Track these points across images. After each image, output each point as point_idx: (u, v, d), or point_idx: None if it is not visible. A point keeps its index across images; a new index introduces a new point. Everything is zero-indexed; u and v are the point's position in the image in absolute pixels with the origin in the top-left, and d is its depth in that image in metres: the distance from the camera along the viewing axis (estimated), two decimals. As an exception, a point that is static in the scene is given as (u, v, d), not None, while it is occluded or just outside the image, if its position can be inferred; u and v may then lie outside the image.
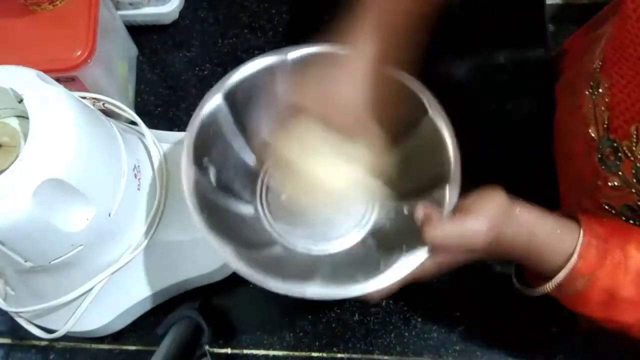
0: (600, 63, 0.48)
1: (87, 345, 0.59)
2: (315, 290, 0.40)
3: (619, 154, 0.45)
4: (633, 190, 0.44)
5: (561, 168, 0.60)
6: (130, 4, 0.68)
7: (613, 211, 0.48)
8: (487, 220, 0.40)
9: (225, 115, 0.48)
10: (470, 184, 0.62)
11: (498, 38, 0.69)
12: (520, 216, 0.41)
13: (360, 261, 0.47)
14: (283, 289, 0.40)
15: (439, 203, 0.43)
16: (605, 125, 0.47)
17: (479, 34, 0.69)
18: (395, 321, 0.57)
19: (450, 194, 0.43)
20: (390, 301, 0.58)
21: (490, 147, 0.64)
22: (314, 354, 0.57)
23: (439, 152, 0.45)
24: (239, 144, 0.50)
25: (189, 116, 0.67)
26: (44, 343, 0.59)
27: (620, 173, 0.45)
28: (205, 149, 0.46)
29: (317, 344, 0.57)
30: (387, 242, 0.47)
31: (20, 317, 0.51)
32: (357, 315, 0.58)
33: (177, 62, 0.71)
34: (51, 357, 0.59)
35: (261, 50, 0.61)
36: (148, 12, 0.70)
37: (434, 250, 0.41)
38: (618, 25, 0.44)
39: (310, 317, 0.58)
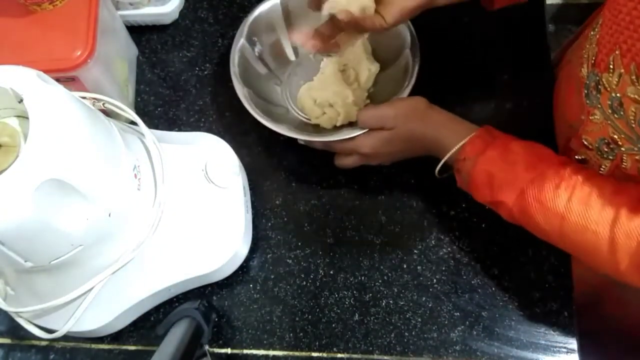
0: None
1: (87, 345, 0.59)
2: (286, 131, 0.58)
3: (599, 87, 0.47)
4: (608, 122, 0.46)
5: (559, 118, 0.62)
6: (130, 4, 0.68)
7: (590, 146, 0.50)
8: (395, 110, 0.56)
9: (279, 14, 0.65)
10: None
11: (498, 38, 0.69)
12: (431, 118, 0.55)
13: (328, 132, 0.63)
14: (269, 123, 0.58)
15: None
16: (592, 61, 0.48)
17: (479, 34, 0.69)
18: (395, 321, 0.57)
19: None
20: (391, 301, 0.58)
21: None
22: (314, 354, 0.57)
23: (405, 79, 0.61)
24: (284, 37, 0.67)
25: (189, 116, 0.68)
26: (44, 343, 0.59)
27: (599, 106, 0.47)
28: (257, 31, 0.65)
29: (317, 344, 0.57)
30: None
31: (20, 317, 0.51)
32: (357, 315, 0.58)
33: (177, 62, 0.71)
34: (51, 357, 0.59)
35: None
36: (148, 12, 0.70)
37: (362, 125, 0.57)
38: None
39: (310, 317, 0.58)
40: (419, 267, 0.59)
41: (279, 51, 0.67)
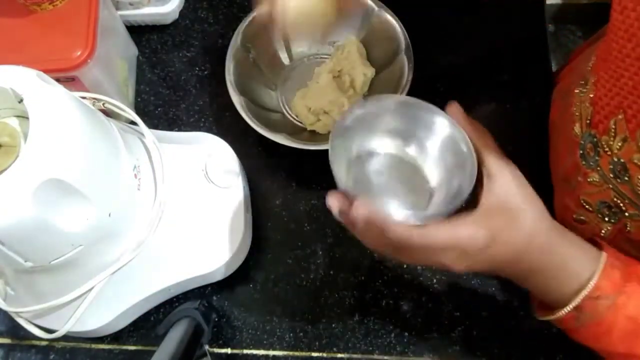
0: (592, 63, 0.49)
1: (87, 345, 0.59)
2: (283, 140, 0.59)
3: (598, 149, 0.45)
4: (610, 186, 0.44)
5: (552, 169, 0.60)
6: (130, 4, 0.68)
7: (590, 208, 0.48)
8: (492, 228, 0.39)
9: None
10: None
11: (498, 38, 0.69)
12: (539, 240, 0.39)
13: (324, 138, 0.64)
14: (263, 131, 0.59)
15: None
16: (588, 121, 0.47)
17: (479, 34, 0.69)
18: (395, 321, 0.57)
19: None
20: (390, 301, 0.58)
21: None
22: (314, 354, 0.57)
23: (400, 83, 0.61)
24: (278, 42, 0.67)
25: (189, 116, 0.68)
26: (44, 343, 0.59)
27: (599, 168, 0.45)
28: (251, 37, 0.64)
29: (317, 344, 0.57)
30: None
31: (20, 317, 0.51)
32: (357, 315, 0.58)
33: (177, 62, 0.71)
34: (51, 357, 0.59)
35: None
36: (148, 12, 0.70)
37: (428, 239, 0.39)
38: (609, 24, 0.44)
39: (310, 317, 0.58)
40: (419, 267, 0.59)
41: (273, 56, 0.68)
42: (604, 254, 0.40)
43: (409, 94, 0.59)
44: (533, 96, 0.65)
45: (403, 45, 0.62)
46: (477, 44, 0.69)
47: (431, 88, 0.66)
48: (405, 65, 0.61)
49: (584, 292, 0.39)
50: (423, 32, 0.62)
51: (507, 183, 0.40)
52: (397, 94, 0.60)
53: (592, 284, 0.39)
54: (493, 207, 0.39)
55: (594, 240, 0.42)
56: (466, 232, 0.38)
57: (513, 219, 0.39)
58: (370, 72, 0.65)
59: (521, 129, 0.64)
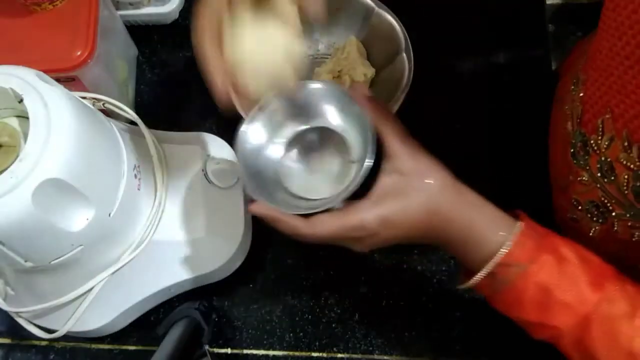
0: (584, 61, 0.49)
1: (87, 345, 0.59)
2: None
3: (588, 148, 0.45)
4: (598, 185, 0.44)
5: (550, 168, 0.60)
6: (130, 4, 0.68)
7: (580, 207, 0.48)
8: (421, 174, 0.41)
9: None
10: (468, 181, 0.62)
11: (498, 38, 0.69)
12: (464, 194, 0.41)
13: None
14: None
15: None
16: (578, 120, 0.47)
17: (479, 34, 0.69)
18: (395, 321, 0.57)
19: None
20: (391, 301, 0.58)
21: (489, 146, 0.64)
22: (314, 354, 0.57)
23: (400, 83, 0.60)
24: None
25: (189, 116, 0.67)
26: (44, 343, 0.59)
27: (588, 168, 0.45)
28: None
29: (317, 344, 0.57)
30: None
31: (20, 317, 0.51)
32: (357, 315, 0.58)
33: (177, 62, 0.71)
34: (51, 357, 0.59)
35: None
36: (148, 12, 0.70)
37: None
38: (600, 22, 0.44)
39: (310, 317, 0.58)
40: (419, 267, 0.59)
41: None
42: (519, 224, 0.41)
43: (409, 94, 0.59)
44: (533, 96, 0.65)
45: (403, 45, 0.61)
46: (477, 44, 0.69)
47: (431, 88, 0.66)
48: (405, 65, 0.61)
49: (496, 259, 0.40)
50: (423, 32, 0.62)
51: (402, 163, 0.41)
52: (397, 94, 0.59)
53: (503, 251, 0.40)
54: (386, 190, 0.41)
55: (514, 212, 0.43)
56: (352, 222, 0.40)
57: (406, 200, 0.40)
58: (370, 72, 0.65)
59: (521, 129, 0.64)
